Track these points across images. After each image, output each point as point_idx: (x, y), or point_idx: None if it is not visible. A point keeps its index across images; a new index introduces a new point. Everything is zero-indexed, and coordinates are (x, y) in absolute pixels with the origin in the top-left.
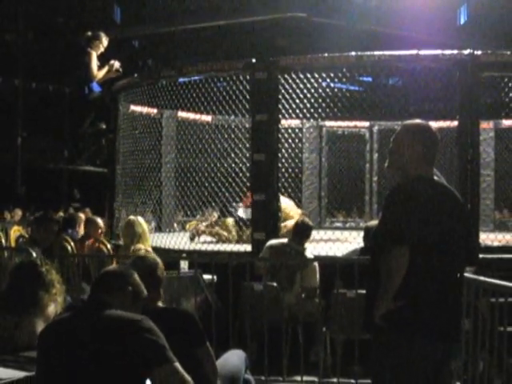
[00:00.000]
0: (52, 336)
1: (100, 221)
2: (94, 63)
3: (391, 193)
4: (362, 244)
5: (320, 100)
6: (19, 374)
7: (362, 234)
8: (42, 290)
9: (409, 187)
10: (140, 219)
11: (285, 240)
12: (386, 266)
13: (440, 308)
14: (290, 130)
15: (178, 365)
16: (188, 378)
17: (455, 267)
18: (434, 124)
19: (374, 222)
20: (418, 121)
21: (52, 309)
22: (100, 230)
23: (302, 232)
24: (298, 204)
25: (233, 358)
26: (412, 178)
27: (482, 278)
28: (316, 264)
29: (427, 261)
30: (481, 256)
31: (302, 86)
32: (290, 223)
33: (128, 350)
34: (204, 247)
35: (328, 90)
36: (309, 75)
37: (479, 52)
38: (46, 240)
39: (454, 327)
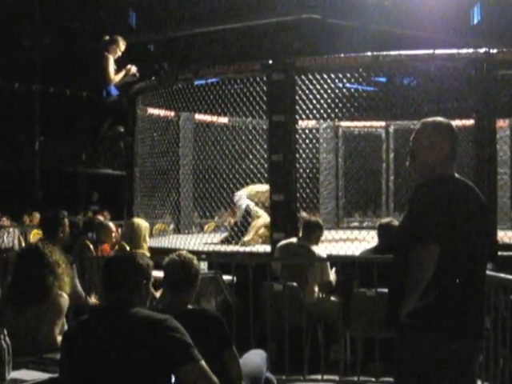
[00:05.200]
0: (77, 337)
1: (112, 225)
2: (111, 67)
3: (418, 190)
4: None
5: (336, 100)
6: (43, 376)
7: None
8: (47, 270)
9: (436, 185)
10: (138, 220)
11: (294, 239)
12: (414, 263)
13: (465, 305)
14: (306, 131)
15: (203, 363)
16: (214, 377)
17: (479, 265)
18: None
19: (388, 220)
20: (439, 118)
21: (65, 301)
22: (113, 234)
23: (309, 229)
24: (316, 205)
25: (254, 358)
26: (438, 176)
27: (501, 274)
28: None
29: (453, 259)
30: (499, 253)
31: (318, 86)
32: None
33: (154, 350)
34: (223, 248)
35: (344, 90)
36: (325, 76)
37: (495, 50)
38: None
39: (479, 324)
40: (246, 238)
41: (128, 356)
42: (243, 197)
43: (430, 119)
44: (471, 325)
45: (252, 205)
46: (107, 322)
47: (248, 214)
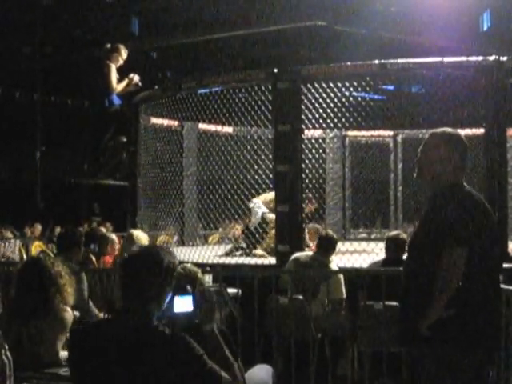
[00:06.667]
0: (84, 348)
1: (114, 237)
2: (114, 76)
3: (442, 196)
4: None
5: (343, 109)
6: None
7: None
8: (48, 282)
9: (458, 192)
10: (137, 232)
11: (310, 253)
12: (444, 269)
13: (487, 316)
14: (313, 141)
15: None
16: None
17: (496, 274)
18: (460, 132)
19: (396, 233)
20: (449, 129)
21: (69, 316)
22: (116, 246)
23: (326, 245)
24: (322, 216)
25: (260, 373)
26: (449, 187)
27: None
28: (341, 276)
29: (476, 267)
30: (509, 265)
31: (324, 95)
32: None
33: (169, 375)
34: (228, 260)
35: (351, 99)
36: (332, 84)
37: (505, 58)
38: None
39: (497, 334)
40: (258, 251)
41: (141, 373)
42: (260, 204)
43: (439, 130)
44: (491, 336)
45: (268, 212)
46: (118, 336)
47: (264, 222)
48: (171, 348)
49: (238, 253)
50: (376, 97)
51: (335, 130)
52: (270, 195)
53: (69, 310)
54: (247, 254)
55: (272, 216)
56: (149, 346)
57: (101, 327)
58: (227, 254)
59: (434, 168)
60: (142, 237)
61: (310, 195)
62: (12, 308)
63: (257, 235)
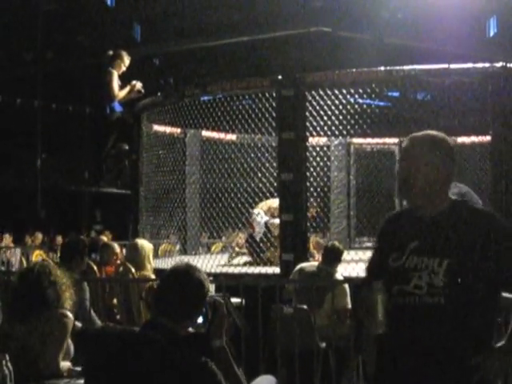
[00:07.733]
0: (106, 354)
1: (116, 246)
2: (116, 82)
3: (499, 218)
4: None
5: (348, 116)
6: None
7: None
8: (45, 279)
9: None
10: (141, 241)
11: (315, 263)
12: None
13: None
14: (317, 148)
15: None
16: None
17: None
18: (466, 139)
19: None
20: (433, 131)
21: (69, 322)
22: (115, 256)
23: (332, 255)
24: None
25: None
26: (450, 202)
27: None
28: (346, 285)
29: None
30: None
31: (329, 102)
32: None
33: None
34: (231, 270)
35: (356, 106)
36: (336, 91)
37: None
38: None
39: None
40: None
41: None
42: (262, 213)
43: (423, 133)
44: None
45: (270, 219)
46: (140, 349)
47: (269, 230)
48: (192, 371)
49: (237, 258)
50: (381, 104)
51: (340, 137)
52: (273, 203)
53: (69, 315)
54: (251, 263)
55: (275, 221)
56: (170, 367)
57: (124, 337)
58: (228, 262)
59: (425, 178)
60: (146, 246)
61: (311, 200)
62: (10, 308)
63: (261, 244)
